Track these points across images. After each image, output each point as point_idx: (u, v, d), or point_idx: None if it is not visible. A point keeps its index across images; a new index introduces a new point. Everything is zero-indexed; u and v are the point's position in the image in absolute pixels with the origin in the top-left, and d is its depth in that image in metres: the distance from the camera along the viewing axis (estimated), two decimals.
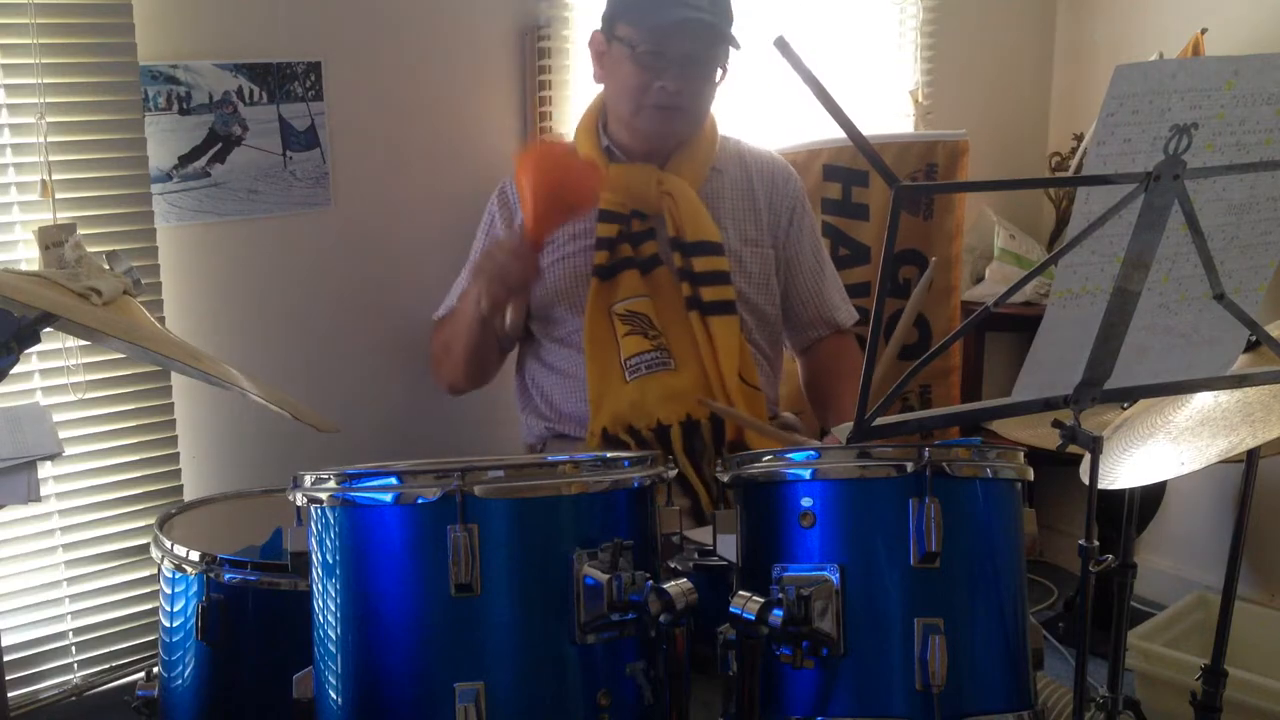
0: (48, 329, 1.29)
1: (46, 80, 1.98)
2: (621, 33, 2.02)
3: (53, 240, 1.80)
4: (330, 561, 1.26)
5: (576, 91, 2.59)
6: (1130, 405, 1.68)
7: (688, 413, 2.02)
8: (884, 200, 2.72)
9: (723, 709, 1.35)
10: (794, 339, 2.33)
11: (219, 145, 2.20)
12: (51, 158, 2.00)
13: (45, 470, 2.04)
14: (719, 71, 2.06)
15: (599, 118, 2.15)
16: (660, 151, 2.12)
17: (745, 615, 1.27)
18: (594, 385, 2.04)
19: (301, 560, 1.30)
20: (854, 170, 2.75)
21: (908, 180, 2.77)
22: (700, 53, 2.01)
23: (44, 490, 2.05)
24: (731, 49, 2.04)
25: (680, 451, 1.99)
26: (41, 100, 1.98)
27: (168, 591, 1.62)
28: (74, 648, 2.18)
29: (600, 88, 2.15)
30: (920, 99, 3.14)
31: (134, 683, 1.70)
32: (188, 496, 2.21)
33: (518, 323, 2.14)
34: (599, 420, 2.02)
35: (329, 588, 1.26)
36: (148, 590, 2.21)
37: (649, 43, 1.98)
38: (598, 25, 2.11)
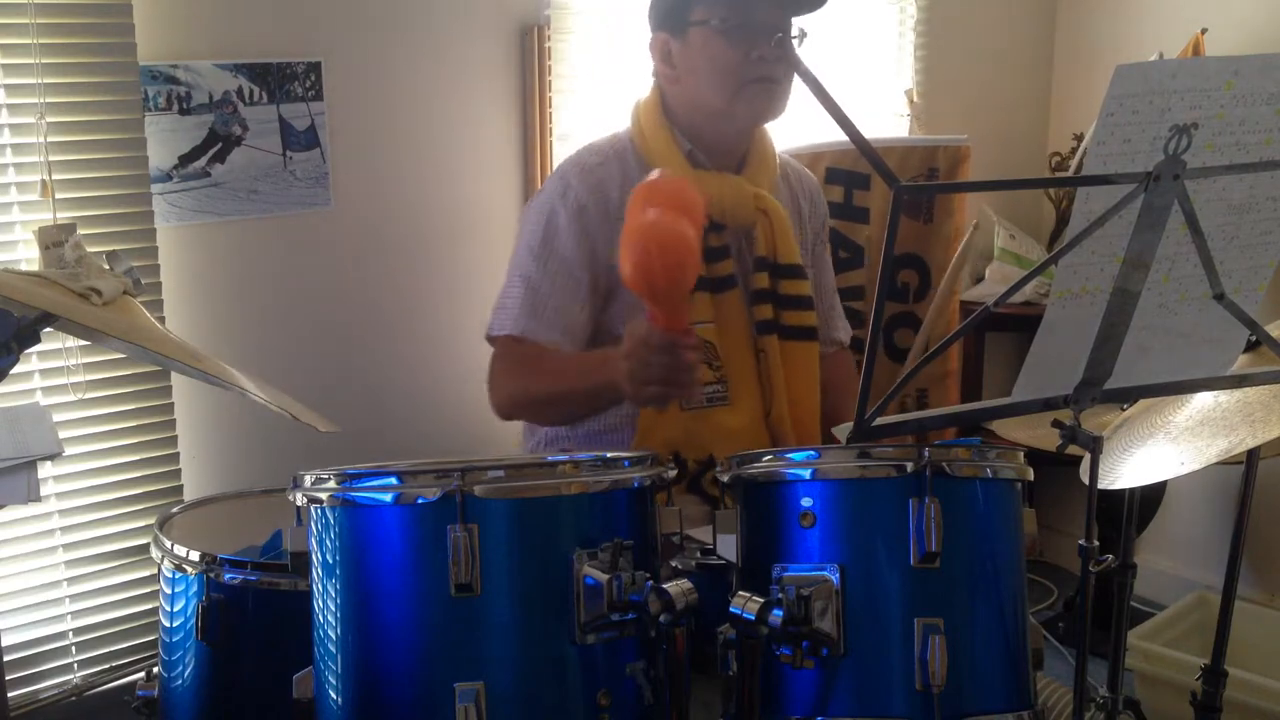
0: (48, 329, 1.29)
1: (46, 80, 1.98)
2: (698, 15, 1.86)
3: (53, 240, 1.80)
4: (330, 561, 1.26)
5: (577, 91, 2.59)
6: (1130, 405, 1.68)
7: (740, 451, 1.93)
8: (884, 203, 2.73)
9: (723, 709, 1.34)
10: None
11: (219, 145, 2.20)
12: (51, 158, 2.00)
13: (45, 470, 2.04)
14: (799, 37, 1.90)
15: (663, 118, 1.93)
16: (737, 152, 1.97)
17: (745, 615, 1.26)
18: (649, 410, 1.87)
19: (301, 560, 1.30)
20: (856, 173, 2.76)
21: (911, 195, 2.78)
22: (784, 18, 1.86)
23: (44, 490, 2.05)
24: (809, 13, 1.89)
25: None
26: (41, 100, 1.98)
27: (168, 591, 1.62)
28: (74, 648, 2.19)
29: (632, 91, 2.01)
30: (916, 98, 3.14)
31: (134, 683, 1.70)
32: (188, 496, 2.21)
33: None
34: (647, 443, 1.88)
35: (329, 588, 1.26)
36: (148, 590, 2.21)
37: (737, 14, 1.83)
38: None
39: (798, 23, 1.89)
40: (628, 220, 1.50)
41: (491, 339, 1.97)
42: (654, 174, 1.55)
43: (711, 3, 1.85)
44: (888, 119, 3.16)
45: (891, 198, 1.11)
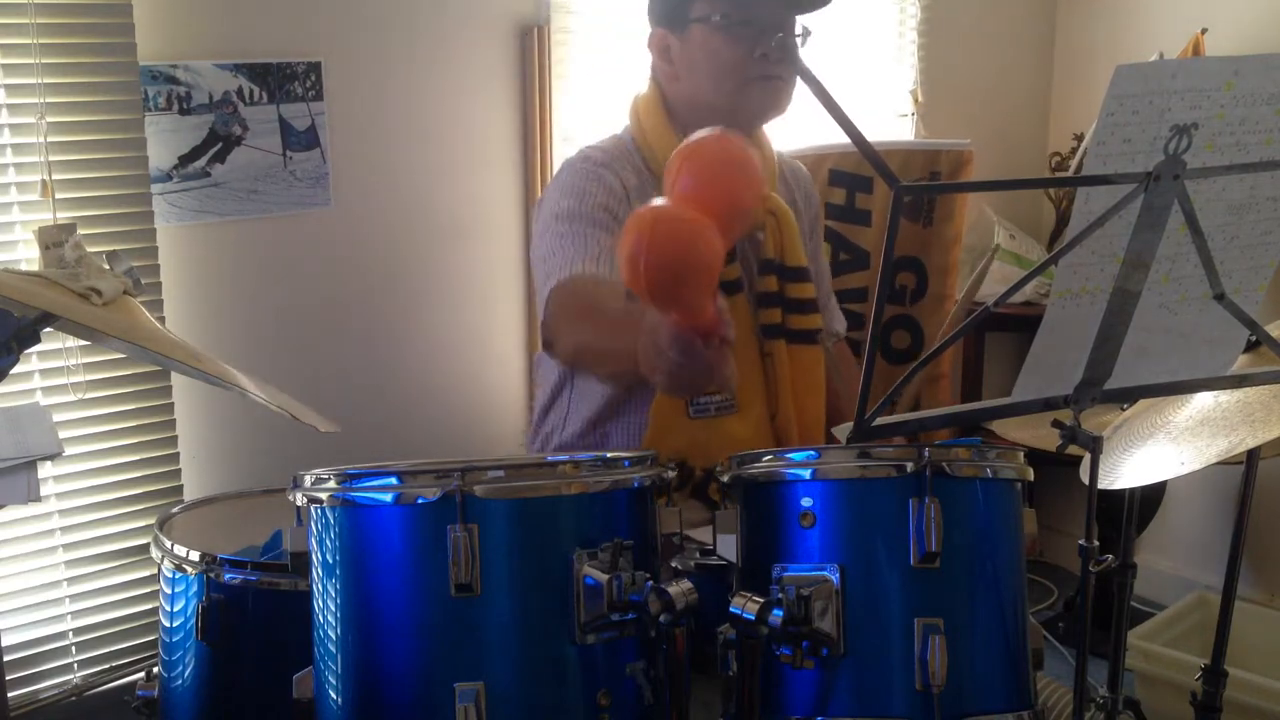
0: (48, 329, 1.29)
1: (46, 80, 1.98)
2: (699, 11, 1.84)
3: (53, 240, 1.79)
4: (330, 561, 1.26)
5: (577, 91, 2.59)
6: (1130, 405, 1.68)
7: None
8: (886, 206, 2.72)
9: (723, 709, 1.34)
10: None
11: (219, 145, 2.20)
12: (51, 158, 2.00)
13: (45, 470, 2.04)
14: (803, 36, 1.88)
15: (665, 117, 1.90)
16: (754, 130, 1.92)
17: (745, 615, 1.26)
18: (659, 416, 1.86)
19: (301, 560, 1.30)
20: (858, 176, 2.76)
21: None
22: (787, 15, 1.84)
23: (44, 490, 2.05)
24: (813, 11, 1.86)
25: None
26: (41, 100, 1.98)
27: (168, 591, 1.62)
28: (74, 648, 2.19)
29: (632, 90, 1.98)
30: (920, 98, 3.14)
31: (134, 683, 1.70)
32: (188, 496, 2.21)
33: None
34: (654, 449, 1.88)
35: (329, 588, 1.26)
36: (148, 590, 2.21)
37: (739, 10, 1.80)
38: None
39: (802, 21, 1.87)
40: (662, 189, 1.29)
41: (547, 317, 1.77)
42: (700, 133, 1.29)
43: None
44: (889, 119, 3.16)
45: (891, 198, 1.11)
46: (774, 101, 1.86)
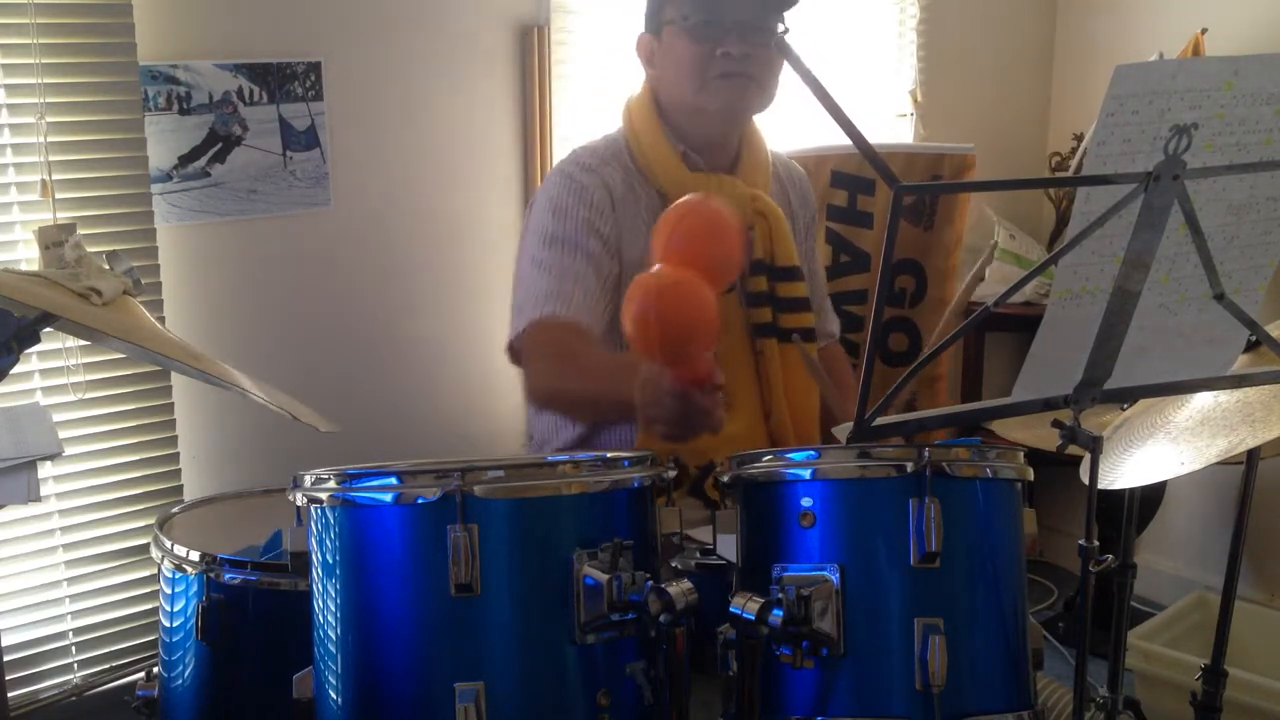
0: (48, 329, 1.29)
1: (46, 80, 1.98)
2: (669, 14, 1.88)
3: (53, 240, 1.80)
4: (330, 561, 1.26)
5: (577, 91, 2.59)
6: (1130, 405, 1.68)
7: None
8: (888, 208, 2.72)
9: (723, 709, 1.34)
10: None
11: (219, 145, 2.20)
12: (51, 158, 2.00)
13: (45, 470, 2.04)
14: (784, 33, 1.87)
15: (658, 120, 1.93)
16: (728, 151, 1.97)
17: (745, 615, 1.27)
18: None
19: (301, 560, 1.30)
20: (860, 178, 2.76)
21: (912, 196, 2.78)
22: (756, 16, 1.86)
23: (44, 490, 2.05)
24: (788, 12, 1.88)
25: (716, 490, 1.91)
26: (41, 100, 1.98)
27: (168, 591, 1.62)
28: (74, 648, 2.19)
29: (630, 95, 2.00)
30: (920, 98, 3.14)
31: (134, 683, 1.70)
32: (188, 496, 2.21)
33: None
34: (647, 448, 1.89)
35: (329, 588, 1.26)
36: (148, 590, 2.21)
37: (701, 10, 1.84)
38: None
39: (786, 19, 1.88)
40: (649, 257, 1.40)
41: (516, 339, 1.87)
42: (687, 198, 1.44)
43: (680, 1, 1.87)
44: (889, 119, 3.16)
45: (891, 198, 1.11)
46: (739, 99, 1.88)
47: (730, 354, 1.91)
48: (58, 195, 2.02)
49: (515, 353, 1.89)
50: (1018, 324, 2.96)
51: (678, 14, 1.87)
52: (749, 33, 1.85)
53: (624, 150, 1.94)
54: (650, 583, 1.20)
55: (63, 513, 2.13)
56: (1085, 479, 1.34)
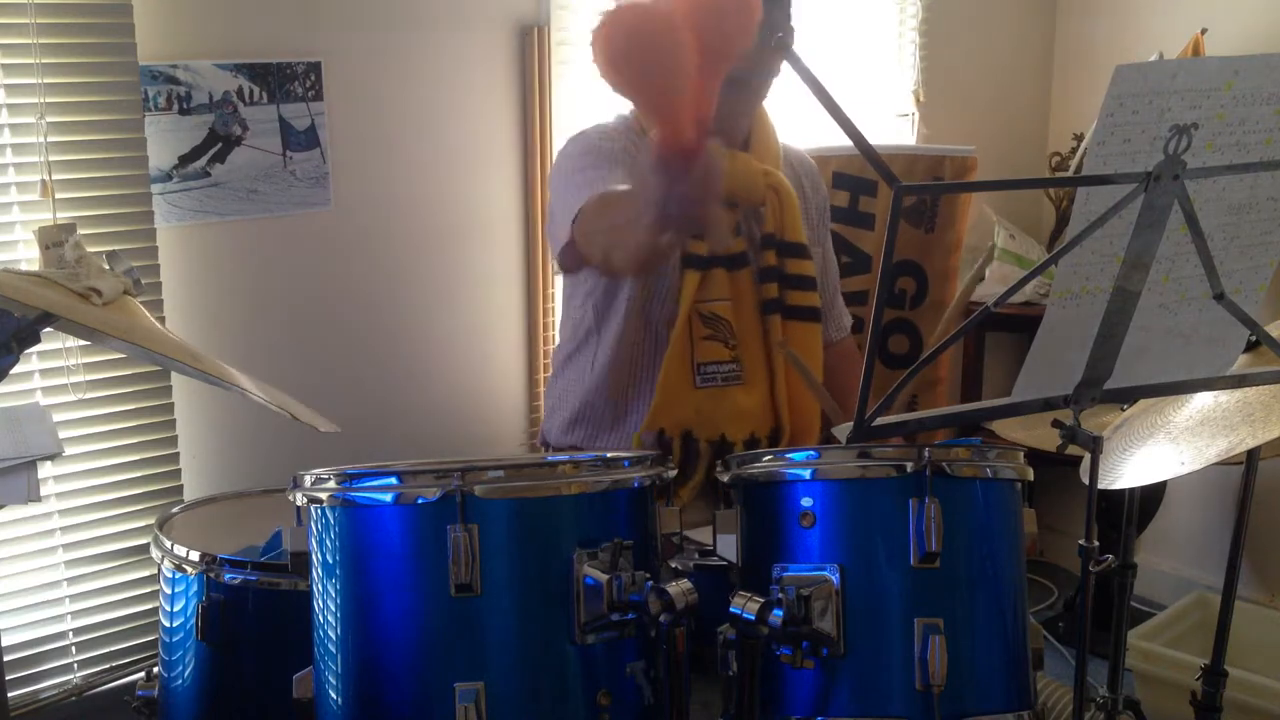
0: (48, 329, 1.29)
1: (46, 80, 1.98)
2: None
3: (53, 240, 1.79)
4: (330, 561, 1.26)
5: (577, 91, 2.59)
6: (1130, 405, 1.68)
7: (752, 431, 1.93)
8: (889, 210, 2.72)
9: (723, 709, 1.35)
10: None
11: (219, 145, 2.20)
12: (51, 158, 2.00)
13: (45, 470, 2.04)
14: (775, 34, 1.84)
15: None
16: (738, 134, 1.96)
17: (745, 615, 1.27)
18: (666, 385, 1.89)
19: (301, 560, 1.30)
20: (862, 179, 2.76)
21: (913, 198, 2.78)
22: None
23: (44, 490, 2.05)
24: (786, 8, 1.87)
25: None
26: (41, 100, 1.98)
27: (168, 591, 1.62)
28: (74, 648, 2.18)
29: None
30: (921, 98, 3.14)
31: (134, 683, 1.70)
32: (188, 496, 2.21)
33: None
34: (659, 420, 1.90)
35: (329, 588, 1.26)
36: (148, 590, 2.21)
37: None
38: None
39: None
40: None
41: (565, 248, 1.73)
42: None
43: None
44: (889, 119, 3.16)
45: (892, 198, 1.11)
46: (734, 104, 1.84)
47: (746, 329, 1.93)
48: (58, 195, 2.02)
49: (582, 248, 1.71)
50: (1018, 324, 2.96)
51: None
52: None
53: (635, 128, 1.93)
54: (650, 583, 1.20)
55: (63, 513, 2.13)
56: (1085, 479, 1.34)
